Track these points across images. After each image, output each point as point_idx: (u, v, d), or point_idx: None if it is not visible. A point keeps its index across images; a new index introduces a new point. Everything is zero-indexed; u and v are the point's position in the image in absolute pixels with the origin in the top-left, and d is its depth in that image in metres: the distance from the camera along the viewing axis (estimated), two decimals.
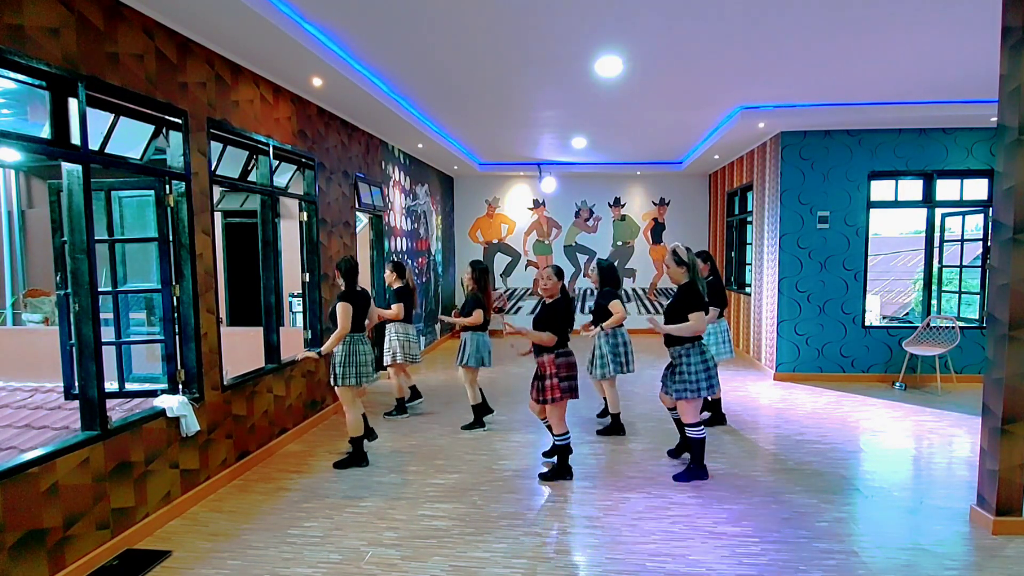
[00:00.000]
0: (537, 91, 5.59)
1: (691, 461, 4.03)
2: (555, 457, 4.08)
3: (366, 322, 4.36)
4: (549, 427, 4.10)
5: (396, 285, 5.40)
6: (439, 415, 5.59)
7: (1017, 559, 2.98)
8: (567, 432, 4.00)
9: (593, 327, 4.81)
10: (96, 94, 2.99)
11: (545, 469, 4.13)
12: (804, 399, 6.15)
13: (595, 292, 5.09)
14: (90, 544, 2.90)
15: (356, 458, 4.30)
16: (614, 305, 4.72)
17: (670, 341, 3.94)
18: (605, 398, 5.08)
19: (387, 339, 5.48)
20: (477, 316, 4.96)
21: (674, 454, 4.42)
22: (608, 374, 4.83)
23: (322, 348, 4.20)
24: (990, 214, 6.38)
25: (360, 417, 4.30)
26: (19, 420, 3.88)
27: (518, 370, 7.47)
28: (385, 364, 5.49)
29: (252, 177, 4.55)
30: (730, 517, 3.44)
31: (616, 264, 5.43)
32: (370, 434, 4.47)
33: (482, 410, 5.22)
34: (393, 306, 5.34)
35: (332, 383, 4.25)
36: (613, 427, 4.99)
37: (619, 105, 6.06)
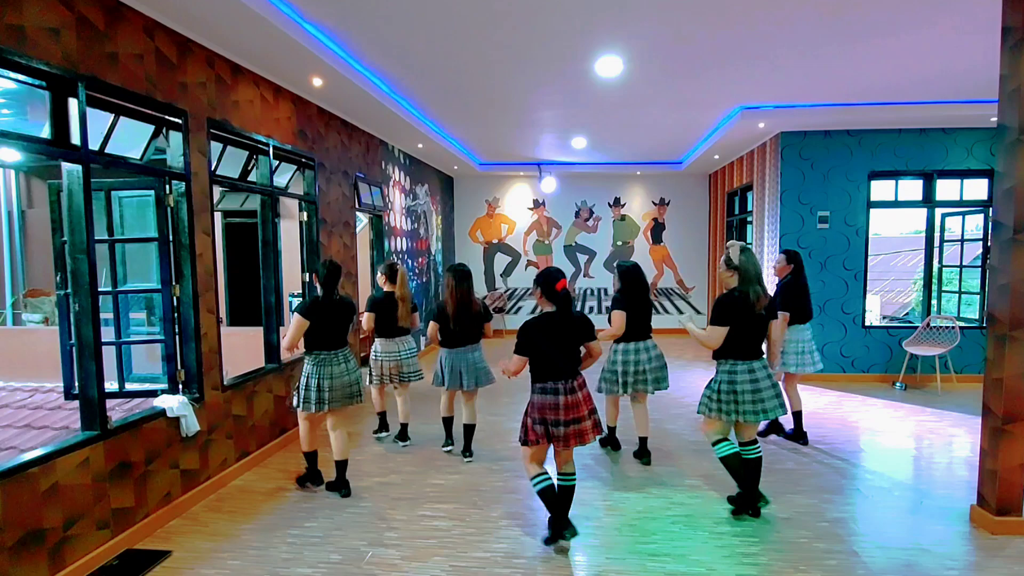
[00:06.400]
0: (537, 91, 5.59)
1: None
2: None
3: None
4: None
5: (387, 289, 4.62)
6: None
7: (1017, 559, 2.98)
8: (539, 474, 3.10)
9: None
10: (96, 94, 2.99)
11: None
12: (804, 399, 6.11)
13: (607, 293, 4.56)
14: (90, 544, 2.90)
15: (311, 475, 3.85)
16: (615, 315, 4.16)
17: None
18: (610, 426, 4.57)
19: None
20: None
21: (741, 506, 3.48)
22: (613, 391, 4.26)
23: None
24: (990, 214, 6.38)
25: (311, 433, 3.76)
26: (19, 420, 3.88)
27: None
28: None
29: (252, 177, 4.54)
30: (730, 517, 3.44)
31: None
32: (315, 477, 3.88)
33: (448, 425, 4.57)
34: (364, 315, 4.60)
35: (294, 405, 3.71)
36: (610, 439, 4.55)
37: (619, 105, 6.06)
